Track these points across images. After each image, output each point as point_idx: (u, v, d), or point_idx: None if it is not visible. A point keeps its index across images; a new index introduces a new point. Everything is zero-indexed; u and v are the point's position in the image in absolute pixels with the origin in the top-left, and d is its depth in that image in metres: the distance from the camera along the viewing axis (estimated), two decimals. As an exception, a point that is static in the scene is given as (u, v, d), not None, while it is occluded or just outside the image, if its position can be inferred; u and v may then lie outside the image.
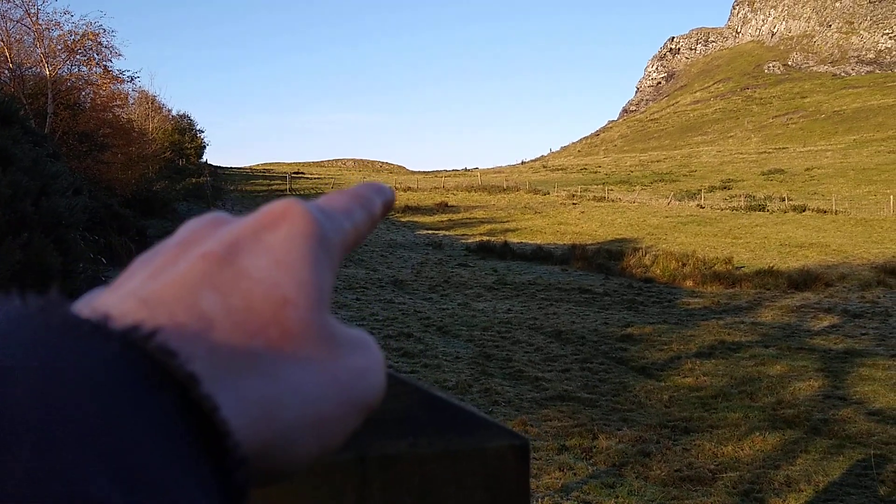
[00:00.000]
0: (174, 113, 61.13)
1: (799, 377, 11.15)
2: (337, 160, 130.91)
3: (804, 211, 37.28)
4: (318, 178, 74.48)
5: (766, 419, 9.18)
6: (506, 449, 0.45)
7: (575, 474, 7.01)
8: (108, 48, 28.52)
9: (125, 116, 35.23)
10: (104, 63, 28.62)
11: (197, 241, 0.36)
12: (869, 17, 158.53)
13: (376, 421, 0.43)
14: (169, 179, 43.14)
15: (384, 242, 29.09)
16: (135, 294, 0.32)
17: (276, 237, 0.35)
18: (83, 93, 28.70)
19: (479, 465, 0.44)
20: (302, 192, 55.62)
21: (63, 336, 0.27)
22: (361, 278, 19.93)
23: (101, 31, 28.20)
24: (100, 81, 28.73)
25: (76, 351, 0.26)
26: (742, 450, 8.12)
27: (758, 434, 8.57)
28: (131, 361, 0.27)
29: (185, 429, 0.27)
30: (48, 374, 0.25)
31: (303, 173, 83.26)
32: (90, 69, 28.60)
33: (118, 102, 31.62)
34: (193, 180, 49.46)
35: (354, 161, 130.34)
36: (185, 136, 59.58)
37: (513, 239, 29.99)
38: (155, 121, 49.24)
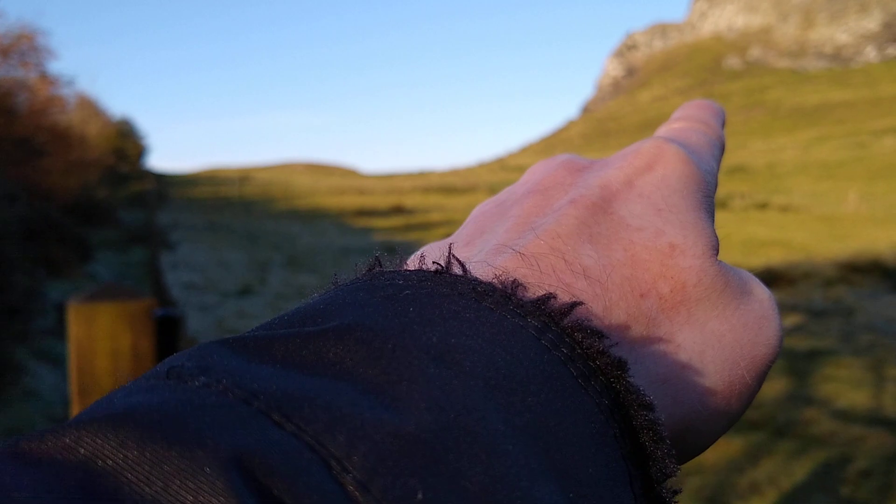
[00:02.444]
0: (116, 117, 60.30)
1: (766, 378, 11.19)
2: (286, 164, 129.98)
3: (766, 208, 37.72)
4: (266, 183, 73.72)
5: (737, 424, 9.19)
6: None
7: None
8: (46, 50, 27.79)
9: (64, 121, 34.48)
10: (41, 66, 27.90)
11: (557, 187, 0.33)
12: (827, 11, 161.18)
13: None
14: (111, 186, 42.34)
15: (336, 248, 28.88)
16: (509, 246, 0.28)
17: (650, 181, 0.32)
18: (19, 97, 27.91)
19: None
20: (250, 197, 54.89)
21: (479, 307, 0.24)
22: (313, 286, 19.54)
23: (38, 32, 27.48)
24: (36, 85, 28.02)
25: (502, 328, 0.23)
26: (706, 455, 8.11)
27: (722, 438, 8.56)
28: (554, 342, 0.24)
29: (617, 429, 0.23)
30: (492, 360, 0.22)
31: (251, 177, 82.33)
32: (26, 72, 27.87)
33: (56, 107, 30.89)
34: (137, 187, 48.74)
35: (304, 164, 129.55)
36: (128, 141, 58.68)
37: (478, 240, 29.86)
38: (96, 125, 48.36)
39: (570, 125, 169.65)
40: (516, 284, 0.25)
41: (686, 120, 0.38)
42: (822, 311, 16.17)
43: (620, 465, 0.23)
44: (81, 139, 37.48)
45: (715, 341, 0.28)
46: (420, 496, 0.19)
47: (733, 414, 0.29)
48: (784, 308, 16.52)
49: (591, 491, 0.21)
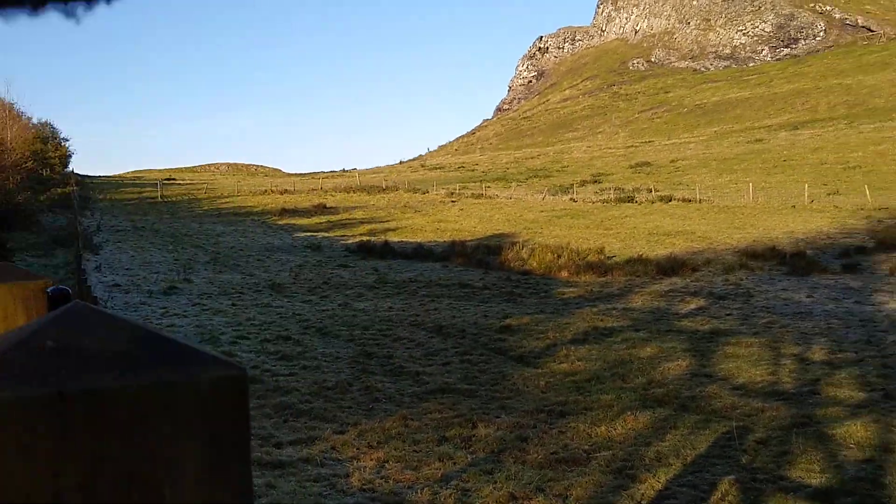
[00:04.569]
0: (35, 121, 58.29)
1: (668, 358, 11.62)
2: (210, 165, 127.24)
3: (670, 201, 38.89)
4: (190, 184, 72.32)
5: (638, 399, 9.52)
6: (221, 379, 0.43)
7: (455, 463, 7.08)
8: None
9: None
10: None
11: None
12: (724, 15, 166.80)
13: (83, 357, 0.40)
14: (32, 191, 41.08)
15: (260, 246, 28.54)
16: None
17: None
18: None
19: (194, 395, 0.43)
20: (174, 199, 53.87)
21: None
22: (237, 283, 19.48)
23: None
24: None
25: None
26: (615, 429, 8.39)
27: (629, 413, 8.87)
28: None
29: None
30: None
31: (175, 179, 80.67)
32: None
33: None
34: (59, 191, 47.27)
35: (228, 165, 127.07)
36: (49, 145, 56.98)
37: (393, 238, 30.00)
38: (13, 130, 46.67)
39: (487, 125, 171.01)
40: None
41: None
42: (723, 295, 16.89)
43: None
44: (-2, 144, 36.14)
45: None
46: None
47: None
48: (688, 293, 17.16)
49: None
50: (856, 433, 8.20)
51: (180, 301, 16.74)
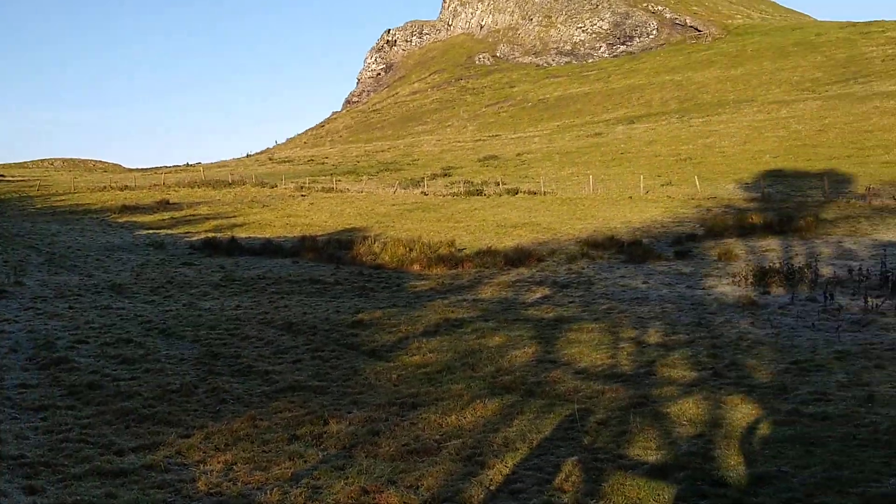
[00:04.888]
0: None
1: (515, 346, 11.96)
2: (44, 160, 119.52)
3: (517, 193, 39.94)
4: (21, 181, 67.81)
5: (487, 387, 9.75)
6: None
7: (305, 461, 7.01)
8: None
9: None
10: None
11: None
12: (564, 12, 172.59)
13: None
14: None
15: (100, 246, 27.15)
16: None
17: None
18: None
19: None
20: (1, 197, 50.39)
21: None
22: (75, 285, 18.45)
23: None
24: None
25: None
26: (465, 418, 8.56)
27: (479, 402, 9.07)
28: None
29: None
30: None
31: (3, 176, 75.34)
32: None
33: None
34: None
35: (64, 161, 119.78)
36: None
37: (241, 234, 29.28)
38: None
39: (336, 118, 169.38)
40: None
41: None
42: (567, 284, 17.54)
43: None
44: None
45: None
46: None
47: None
48: (534, 282, 17.70)
49: None
50: (688, 410, 8.73)
51: (11, 306, 15.67)
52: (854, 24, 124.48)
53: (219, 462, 7.01)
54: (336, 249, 23.63)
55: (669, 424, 8.32)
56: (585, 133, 78.78)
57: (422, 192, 44.63)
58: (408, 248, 22.27)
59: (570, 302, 15.33)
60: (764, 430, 8.09)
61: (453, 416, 8.57)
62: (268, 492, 6.26)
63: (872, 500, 6.29)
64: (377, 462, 7.17)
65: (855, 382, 9.60)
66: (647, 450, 7.61)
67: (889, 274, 15.07)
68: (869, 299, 13.67)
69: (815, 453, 7.35)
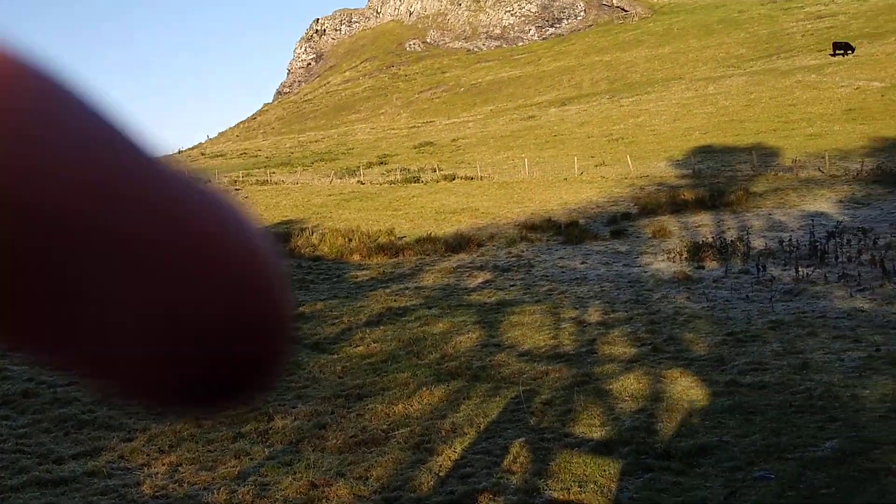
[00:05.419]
0: None
1: (459, 332, 12.01)
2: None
3: (454, 179, 39.98)
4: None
5: (432, 374, 9.78)
6: None
7: (252, 459, 6.94)
8: None
9: None
10: None
11: None
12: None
13: None
14: None
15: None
16: None
17: None
18: None
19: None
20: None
21: None
22: None
23: None
24: None
25: None
26: (412, 406, 8.57)
27: (425, 389, 9.10)
28: None
29: None
30: None
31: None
32: None
33: None
34: None
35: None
36: None
37: (175, 232, 28.64)
38: None
39: (268, 110, 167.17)
40: None
41: None
42: (507, 267, 17.66)
43: None
44: None
45: None
46: None
47: None
48: (475, 267, 17.79)
49: None
50: (630, 386, 8.89)
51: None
52: (774, 1, 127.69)
53: (163, 464, 6.90)
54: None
55: (612, 401, 8.47)
56: (519, 116, 79.27)
57: (358, 182, 44.37)
58: (347, 239, 22.15)
59: (512, 285, 15.45)
60: (704, 401, 8.30)
61: (400, 405, 8.58)
62: (215, 491, 6.19)
63: (810, 464, 6.51)
64: (325, 455, 7.14)
65: (789, 351, 9.90)
66: (591, 427, 7.73)
67: (817, 244, 15.55)
68: (800, 269, 14.10)
69: (754, 422, 7.57)
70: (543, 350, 10.80)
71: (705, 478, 6.45)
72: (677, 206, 23.69)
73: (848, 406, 7.79)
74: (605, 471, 6.66)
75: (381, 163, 56.51)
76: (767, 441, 7.04)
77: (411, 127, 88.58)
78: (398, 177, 44.06)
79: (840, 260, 14.88)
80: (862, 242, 16.16)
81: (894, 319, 11.07)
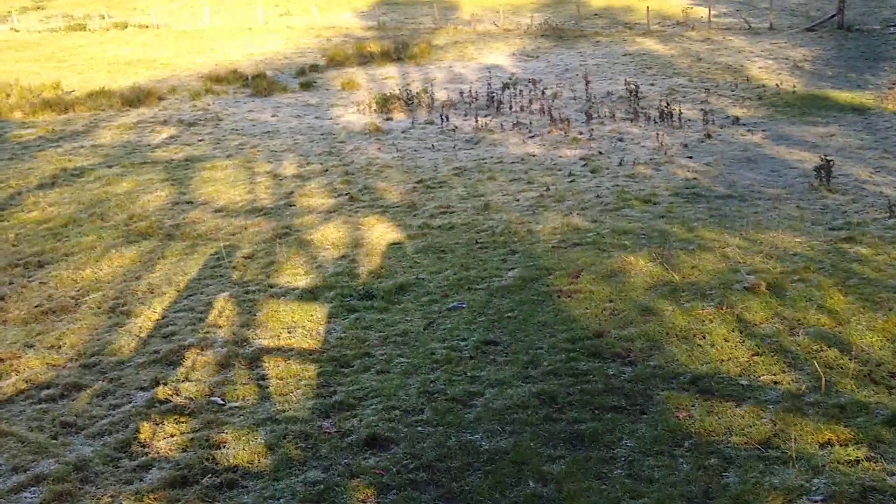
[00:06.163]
0: None
1: (146, 190, 11.36)
2: None
3: (126, 28, 36.65)
4: None
5: (121, 236, 9.23)
6: None
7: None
8: None
9: None
10: None
11: None
12: None
13: None
14: None
15: None
16: None
17: None
18: None
19: None
20: None
21: None
22: None
23: None
24: None
25: None
26: (101, 270, 8.08)
27: (114, 251, 8.60)
28: None
29: None
30: None
31: None
32: None
33: None
34: None
35: None
36: None
37: None
38: None
39: None
40: None
41: None
42: (193, 122, 16.75)
43: None
44: None
45: None
46: None
47: None
48: (158, 122, 16.68)
49: None
50: (330, 235, 9.08)
51: None
52: None
53: None
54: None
55: (314, 250, 8.62)
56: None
57: (12, 29, 39.05)
58: (5, 94, 19.65)
59: (200, 140, 14.77)
60: (400, 244, 8.73)
61: (88, 270, 8.05)
62: None
63: (496, 292, 7.18)
64: (7, 328, 6.58)
65: (472, 194, 10.64)
66: (296, 276, 7.84)
67: (494, 95, 16.55)
68: (479, 119, 14.99)
69: (446, 259, 8.13)
70: (240, 205, 10.59)
71: (406, 312, 6.87)
72: (365, 59, 23.79)
73: (525, 240, 8.62)
74: (312, 315, 6.83)
75: (39, 8, 49.98)
76: (458, 275, 7.62)
77: (70, -32, 78.73)
78: (60, 24, 39.40)
79: (514, 110, 16.00)
80: (532, 93, 17.46)
81: (560, 162, 12.27)
